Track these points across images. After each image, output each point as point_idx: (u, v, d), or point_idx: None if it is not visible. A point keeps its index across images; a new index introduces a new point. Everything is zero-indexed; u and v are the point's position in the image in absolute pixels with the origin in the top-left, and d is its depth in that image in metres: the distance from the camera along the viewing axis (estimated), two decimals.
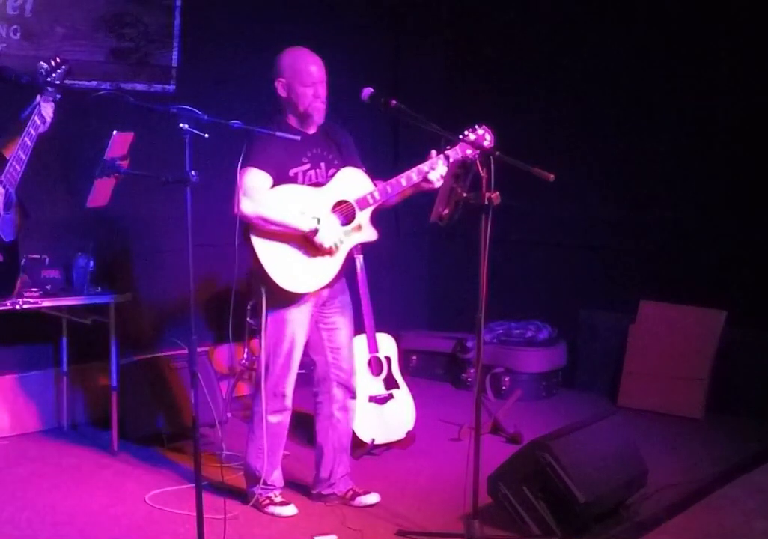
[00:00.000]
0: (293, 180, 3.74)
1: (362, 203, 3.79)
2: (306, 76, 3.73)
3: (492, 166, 3.42)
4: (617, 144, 5.94)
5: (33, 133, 3.55)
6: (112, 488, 4.22)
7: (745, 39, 5.43)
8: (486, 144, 3.74)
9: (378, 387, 4.76)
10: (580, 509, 3.63)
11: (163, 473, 4.40)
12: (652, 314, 5.71)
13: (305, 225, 3.68)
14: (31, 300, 4.37)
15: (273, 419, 3.89)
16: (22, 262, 4.54)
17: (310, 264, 3.75)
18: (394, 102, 3.68)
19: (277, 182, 3.70)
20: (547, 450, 3.67)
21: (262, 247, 3.70)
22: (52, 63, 3.67)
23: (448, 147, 3.66)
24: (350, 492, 4.04)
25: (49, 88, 3.56)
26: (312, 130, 3.84)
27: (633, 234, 5.91)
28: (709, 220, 5.62)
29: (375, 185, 3.84)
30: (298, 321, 3.82)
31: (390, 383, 4.83)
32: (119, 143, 3.96)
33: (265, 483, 3.92)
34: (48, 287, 4.52)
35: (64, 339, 4.92)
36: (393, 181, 3.80)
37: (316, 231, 3.67)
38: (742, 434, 5.06)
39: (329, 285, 3.84)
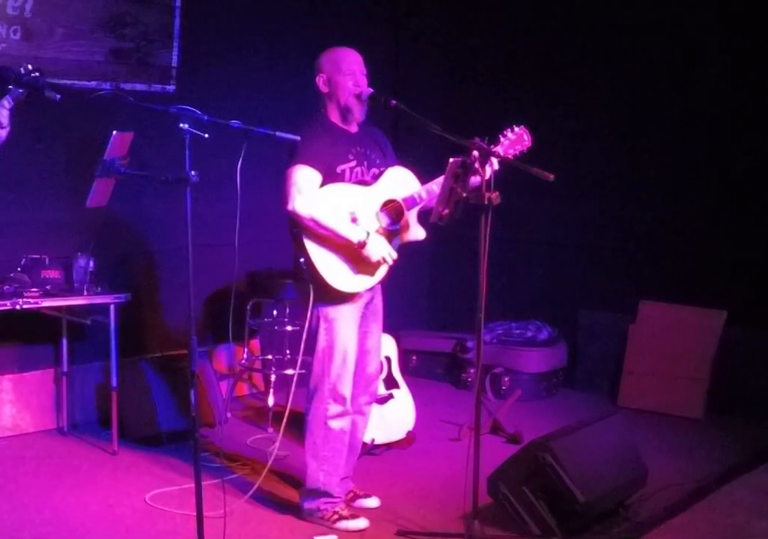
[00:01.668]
0: (341, 176, 3.75)
1: (410, 202, 3.80)
2: (344, 65, 3.76)
3: (493, 168, 3.43)
4: (617, 144, 5.94)
5: None
6: (112, 488, 4.22)
7: (741, 45, 5.43)
8: (525, 143, 3.77)
9: (378, 387, 4.75)
10: (580, 509, 3.63)
11: (163, 473, 4.39)
12: (652, 314, 5.71)
13: (355, 236, 3.67)
14: (31, 301, 4.37)
15: (334, 425, 3.81)
16: (23, 262, 4.57)
17: (360, 263, 3.75)
18: (393, 102, 3.69)
19: (325, 178, 3.71)
20: (547, 450, 3.67)
21: (313, 244, 3.70)
22: (21, 70, 3.27)
23: (492, 145, 3.65)
24: (351, 494, 4.02)
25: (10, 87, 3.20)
26: (354, 129, 3.85)
27: (633, 234, 5.91)
28: (710, 220, 5.61)
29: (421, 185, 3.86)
30: (351, 320, 3.80)
31: (390, 383, 4.83)
32: (119, 143, 3.96)
33: (330, 496, 3.84)
34: (48, 287, 4.52)
35: (64, 339, 4.91)
36: (439, 179, 3.76)
37: (364, 244, 3.68)
38: (742, 434, 5.06)
39: (373, 286, 3.85)
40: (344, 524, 3.80)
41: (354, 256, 3.73)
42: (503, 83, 6.35)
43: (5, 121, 3.30)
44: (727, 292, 5.45)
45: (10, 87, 3.23)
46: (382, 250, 3.72)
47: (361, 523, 3.82)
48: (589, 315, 6.05)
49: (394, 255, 3.76)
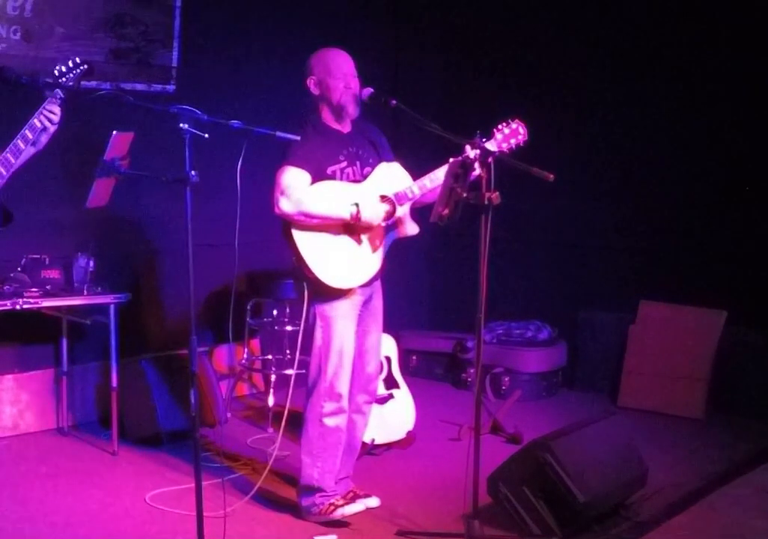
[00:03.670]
0: (331, 178, 3.76)
1: (401, 198, 3.80)
2: (335, 69, 3.77)
3: (492, 165, 3.43)
4: (618, 144, 5.94)
5: (29, 136, 3.31)
6: (112, 488, 4.22)
7: (742, 45, 5.43)
8: (520, 137, 3.77)
9: (378, 386, 4.75)
10: (580, 509, 3.63)
11: (163, 473, 4.40)
12: (652, 314, 5.71)
13: (346, 212, 3.68)
14: (31, 301, 4.37)
15: (330, 422, 3.82)
16: (23, 262, 4.57)
17: (353, 260, 3.76)
18: (394, 102, 3.69)
19: (315, 180, 3.71)
20: (547, 450, 3.67)
21: (304, 243, 3.71)
22: (70, 64, 3.39)
23: (484, 140, 3.65)
24: (351, 494, 4.00)
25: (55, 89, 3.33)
26: (347, 129, 3.86)
27: (633, 234, 5.91)
28: (710, 220, 5.61)
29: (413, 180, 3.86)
30: (347, 317, 3.80)
31: (390, 383, 4.83)
32: (119, 143, 3.97)
33: (324, 491, 3.84)
34: (48, 287, 4.52)
35: (64, 339, 4.92)
36: (431, 174, 3.78)
37: (358, 214, 3.68)
38: (742, 434, 5.06)
39: (370, 283, 3.85)
40: (341, 511, 3.80)
41: (346, 253, 3.74)
42: (503, 83, 6.34)
43: (41, 139, 3.38)
44: (727, 292, 5.45)
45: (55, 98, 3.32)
46: (378, 210, 3.74)
47: (358, 507, 3.82)
48: (589, 315, 6.05)
49: (383, 242, 3.78)
